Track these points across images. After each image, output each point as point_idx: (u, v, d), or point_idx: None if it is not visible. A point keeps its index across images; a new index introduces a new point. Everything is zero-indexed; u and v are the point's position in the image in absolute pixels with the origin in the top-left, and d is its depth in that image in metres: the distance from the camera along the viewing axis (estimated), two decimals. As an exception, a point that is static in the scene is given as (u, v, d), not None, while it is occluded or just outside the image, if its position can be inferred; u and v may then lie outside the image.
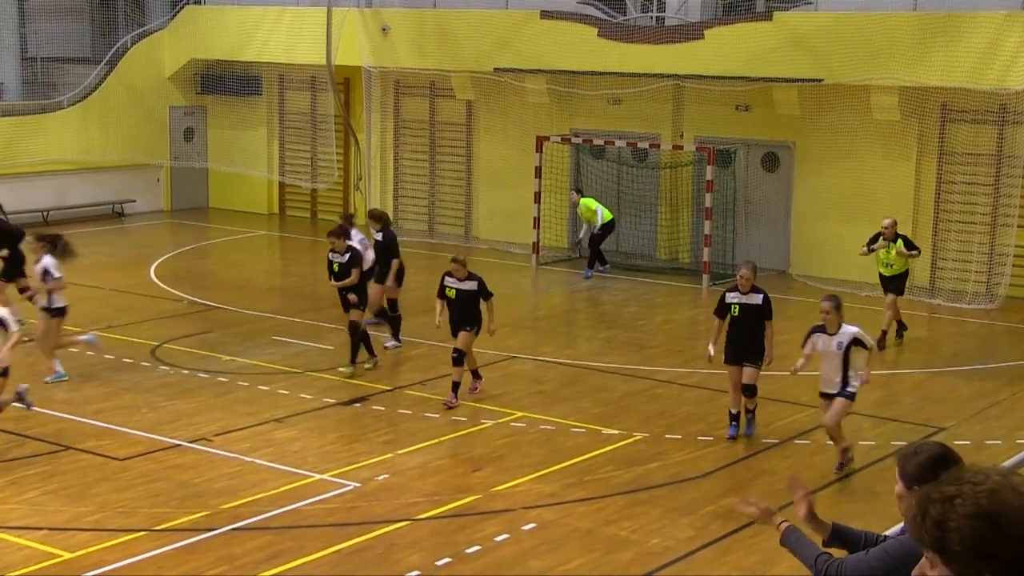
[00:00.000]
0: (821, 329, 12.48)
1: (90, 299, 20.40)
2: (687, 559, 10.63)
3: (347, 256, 15.99)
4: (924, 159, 22.07)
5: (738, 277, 13.86)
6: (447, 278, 14.84)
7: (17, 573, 10.03)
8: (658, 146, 23.90)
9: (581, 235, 23.96)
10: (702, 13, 24.42)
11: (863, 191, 22.37)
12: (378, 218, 18.01)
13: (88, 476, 12.30)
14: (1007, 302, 20.90)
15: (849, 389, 12.49)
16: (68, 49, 30.45)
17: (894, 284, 18.07)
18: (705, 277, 22.48)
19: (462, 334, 14.76)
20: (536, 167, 24.03)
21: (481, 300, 14.86)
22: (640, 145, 23.88)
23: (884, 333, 17.76)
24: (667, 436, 13.82)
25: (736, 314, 13.68)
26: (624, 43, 23.82)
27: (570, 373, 16.66)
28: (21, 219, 26.95)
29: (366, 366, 16.21)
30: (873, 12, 21.65)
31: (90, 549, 10.53)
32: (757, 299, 13.68)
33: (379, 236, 17.69)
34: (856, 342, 12.37)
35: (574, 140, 24.66)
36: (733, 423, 13.76)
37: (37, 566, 10.19)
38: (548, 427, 14.15)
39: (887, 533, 5.65)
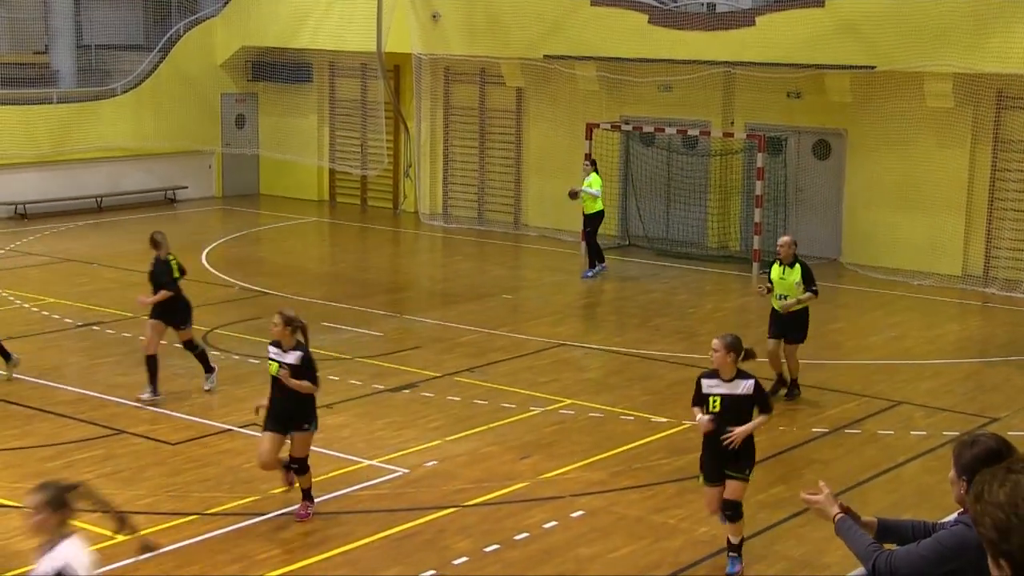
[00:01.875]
0: None
1: (142, 285, 20.55)
2: (736, 548, 10.58)
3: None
4: (978, 147, 21.80)
5: (711, 354, 9.85)
6: (270, 348, 10.89)
7: (71, 555, 10.16)
8: (708, 133, 23.76)
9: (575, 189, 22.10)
10: (753, -1, 24.25)
11: (916, 179, 22.14)
12: (154, 244, 14.70)
13: (141, 460, 12.44)
14: (1063, 291, 20.65)
15: None
16: (122, 36, 30.74)
17: (787, 326, 14.47)
18: (755, 265, 22.35)
19: (296, 437, 10.82)
20: (586, 154, 23.97)
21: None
22: (690, 132, 23.76)
23: (780, 376, 14.63)
24: (716, 425, 13.72)
25: (716, 409, 9.75)
26: (675, 30, 23.70)
27: (619, 361, 16.62)
28: (75, 205, 27.40)
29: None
30: (928, -3, 21.39)
31: (143, 532, 10.61)
32: (745, 387, 9.72)
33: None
34: None
35: (624, 127, 24.58)
36: (731, 554, 9.98)
37: (91, 547, 10.30)
38: (597, 414, 14.13)
39: (942, 521, 5.60)
